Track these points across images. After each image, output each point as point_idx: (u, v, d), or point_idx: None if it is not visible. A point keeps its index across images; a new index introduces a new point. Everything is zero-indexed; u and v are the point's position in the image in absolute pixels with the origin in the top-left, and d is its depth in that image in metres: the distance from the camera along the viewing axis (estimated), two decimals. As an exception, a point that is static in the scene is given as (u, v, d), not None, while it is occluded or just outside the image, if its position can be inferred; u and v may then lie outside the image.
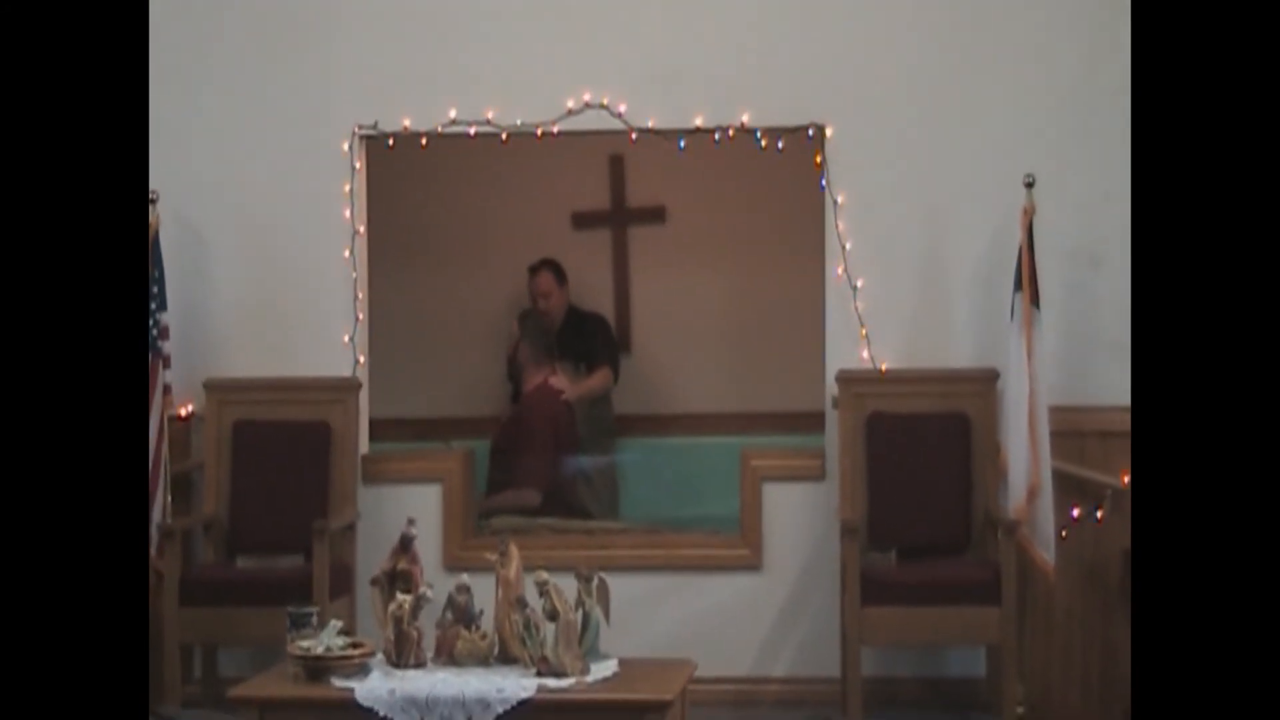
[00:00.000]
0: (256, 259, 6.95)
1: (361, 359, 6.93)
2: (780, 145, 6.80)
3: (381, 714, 5.05)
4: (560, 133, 6.85)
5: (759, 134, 6.79)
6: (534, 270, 8.14)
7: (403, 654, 5.30)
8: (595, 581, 5.33)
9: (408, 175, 7.94)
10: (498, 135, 6.88)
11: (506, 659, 5.30)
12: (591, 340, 8.12)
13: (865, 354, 6.71)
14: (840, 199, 6.75)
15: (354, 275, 6.92)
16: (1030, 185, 6.39)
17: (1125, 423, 4.32)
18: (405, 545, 5.57)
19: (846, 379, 6.63)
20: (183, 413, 6.86)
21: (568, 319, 8.12)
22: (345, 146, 6.91)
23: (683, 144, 6.85)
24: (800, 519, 6.74)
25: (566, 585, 5.30)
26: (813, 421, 6.94)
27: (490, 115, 6.85)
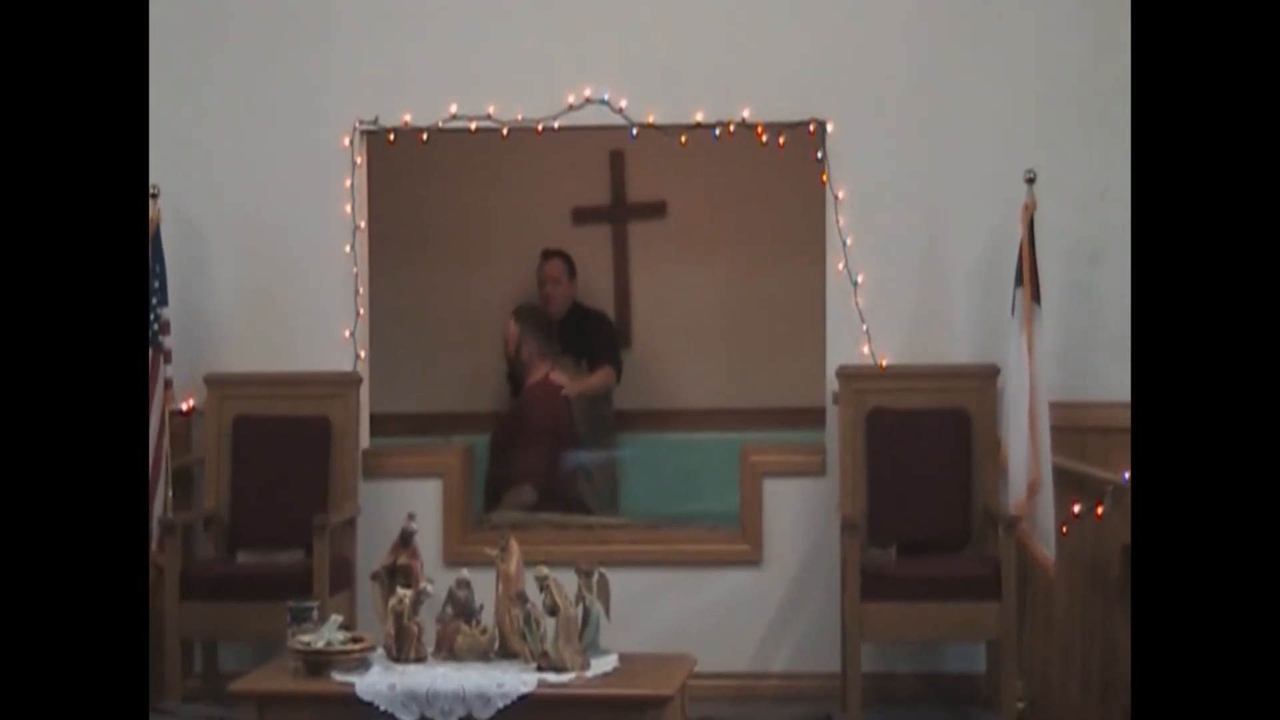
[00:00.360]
0: (257, 254, 6.96)
1: (362, 354, 6.94)
2: (781, 141, 6.81)
3: (382, 708, 5.07)
4: (561, 128, 6.86)
5: (760, 129, 6.80)
6: (546, 255, 8.15)
7: (403, 649, 5.31)
8: (596, 576, 5.35)
9: (408, 170, 7.95)
10: (498, 131, 6.88)
11: (507, 654, 5.31)
12: (594, 338, 8.12)
13: (866, 349, 6.71)
14: (841, 194, 6.76)
15: (354, 270, 6.93)
16: (1031, 181, 6.40)
17: (1125, 419, 4.32)
18: (405, 540, 5.58)
19: (847, 374, 6.64)
20: (184, 407, 6.86)
21: (571, 313, 8.13)
22: (346, 142, 6.92)
23: (683, 139, 6.86)
24: (800, 514, 6.75)
25: (566, 580, 5.32)
26: (813, 417, 6.94)
27: (491, 110, 6.86)
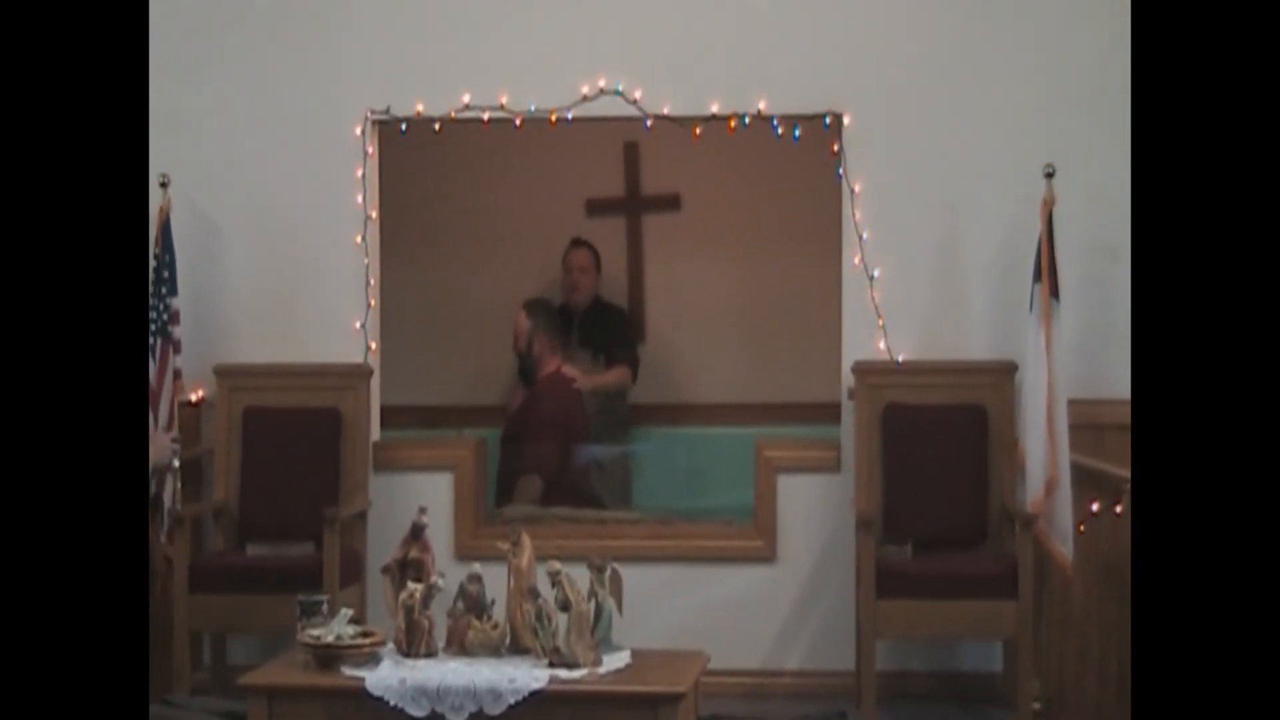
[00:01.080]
0: (268, 244, 6.97)
1: (373, 345, 6.95)
2: (797, 133, 6.81)
3: (392, 703, 5.08)
4: (574, 119, 6.86)
5: (775, 121, 6.80)
6: (575, 243, 8.15)
7: (413, 643, 5.32)
8: (608, 572, 5.36)
9: (420, 161, 7.95)
10: (511, 121, 6.89)
11: (518, 649, 5.33)
12: (612, 334, 8.12)
13: (882, 345, 6.72)
14: (857, 188, 6.76)
15: (366, 261, 6.94)
16: (1050, 175, 6.40)
17: (1144, 416, 4.34)
18: (416, 534, 5.59)
19: (862, 370, 6.65)
20: (193, 398, 6.88)
21: (592, 306, 8.14)
22: (358, 131, 6.93)
23: (698, 131, 6.87)
24: (815, 511, 6.76)
25: (579, 575, 5.33)
26: (828, 412, 6.94)
27: (504, 101, 6.87)
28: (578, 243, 8.16)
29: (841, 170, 6.77)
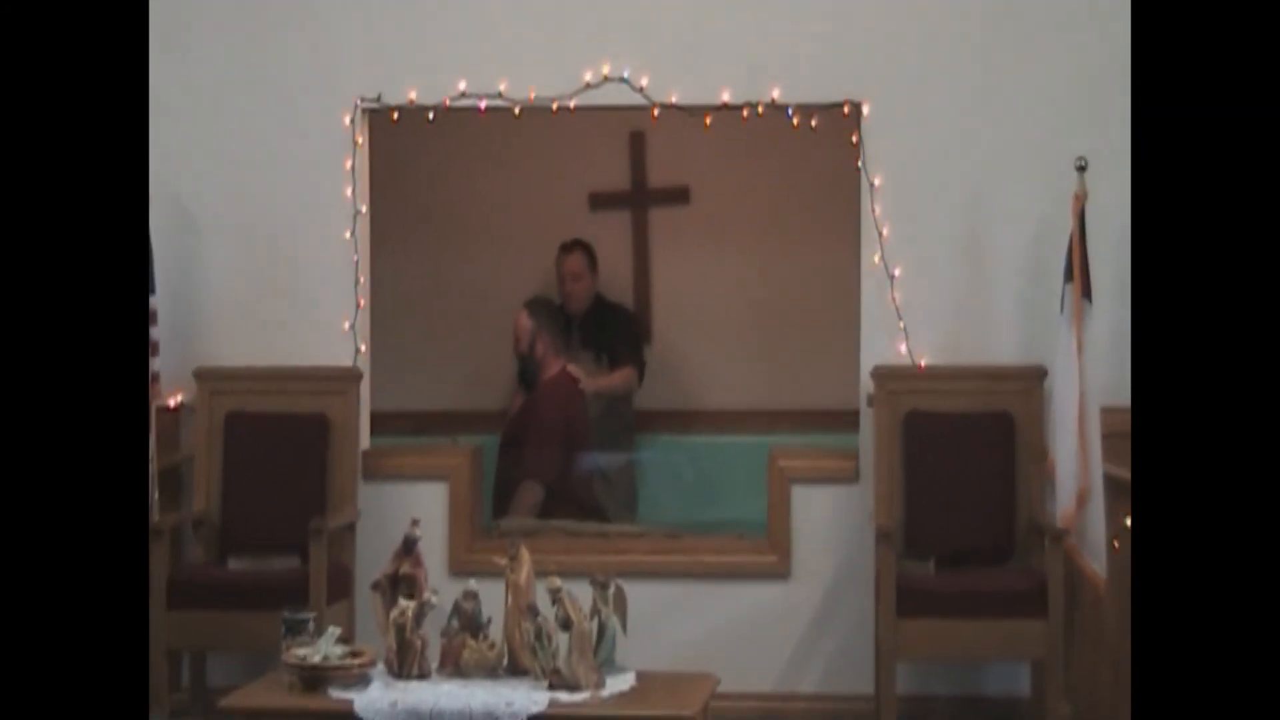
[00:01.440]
0: (252, 240, 6.96)
1: (363, 347, 6.94)
2: (813, 123, 6.79)
3: (382, 728, 5.07)
4: (578, 107, 6.85)
5: (790, 111, 6.78)
6: (566, 248, 8.13)
7: (405, 664, 5.32)
8: (612, 588, 5.37)
9: (413, 151, 7.95)
10: (510, 109, 6.87)
11: (516, 670, 5.32)
12: (616, 335, 8.12)
13: (903, 348, 6.70)
14: (877, 181, 6.74)
15: (355, 258, 6.92)
16: (1082, 169, 6.37)
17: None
18: (408, 547, 5.59)
19: (882, 375, 6.63)
20: (171, 403, 6.87)
21: (592, 308, 8.12)
22: (347, 120, 6.92)
23: (708, 121, 6.85)
24: (832, 524, 6.75)
25: (580, 592, 5.33)
26: (846, 420, 6.95)
27: (503, 88, 6.85)
28: (568, 247, 8.11)
29: (860, 163, 6.76)
